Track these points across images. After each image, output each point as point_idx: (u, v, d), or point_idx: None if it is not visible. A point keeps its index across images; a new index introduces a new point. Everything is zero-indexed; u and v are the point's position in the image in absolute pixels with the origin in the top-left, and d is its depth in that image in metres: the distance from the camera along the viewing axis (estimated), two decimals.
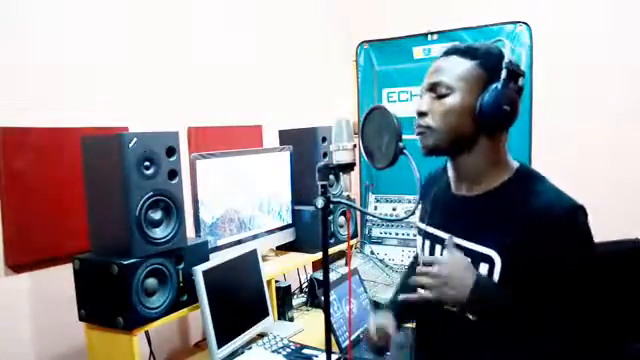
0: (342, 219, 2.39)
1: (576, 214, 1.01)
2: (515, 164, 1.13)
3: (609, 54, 2.81)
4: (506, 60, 1.05)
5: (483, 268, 1.05)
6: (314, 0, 3.26)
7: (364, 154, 1.20)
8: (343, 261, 2.50)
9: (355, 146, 1.18)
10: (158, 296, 1.54)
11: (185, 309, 1.63)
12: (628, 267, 1.98)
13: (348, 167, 1.17)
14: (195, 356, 1.90)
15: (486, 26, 3.04)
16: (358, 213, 2.95)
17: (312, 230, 2.28)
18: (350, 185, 1.21)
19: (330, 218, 2.30)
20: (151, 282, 1.51)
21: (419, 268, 1.08)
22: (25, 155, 1.68)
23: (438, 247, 1.18)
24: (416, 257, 1.36)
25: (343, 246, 2.37)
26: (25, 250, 1.68)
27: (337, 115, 1.19)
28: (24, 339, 1.71)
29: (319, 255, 2.23)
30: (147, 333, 1.70)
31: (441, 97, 1.08)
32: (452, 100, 1.07)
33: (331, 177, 1.17)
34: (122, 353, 1.48)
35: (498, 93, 1.03)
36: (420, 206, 1.29)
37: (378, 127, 1.15)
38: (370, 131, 1.18)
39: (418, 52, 3.25)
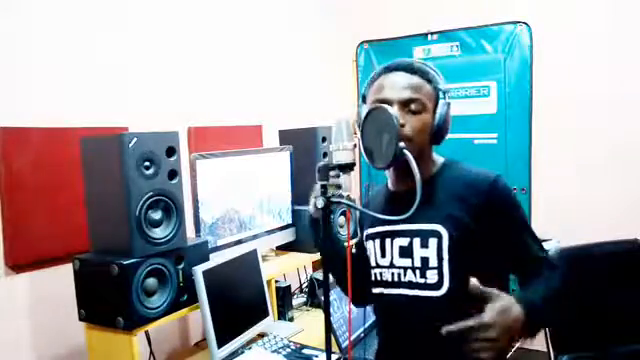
0: (342, 219, 2.39)
1: (497, 180, 1.18)
2: (441, 158, 1.28)
3: (609, 54, 2.81)
4: (442, 83, 1.21)
5: (432, 242, 1.17)
6: (314, 0, 3.26)
7: (364, 154, 1.20)
8: None
9: (355, 146, 1.18)
10: (158, 296, 1.53)
11: (185, 309, 1.63)
12: (628, 267, 1.99)
13: (348, 167, 1.17)
14: (195, 356, 1.89)
15: (486, 26, 3.04)
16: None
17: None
18: (350, 185, 1.20)
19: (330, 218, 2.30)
20: (151, 282, 1.51)
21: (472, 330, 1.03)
22: (25, 155, 1.68)
23: (387, 240, 1.25)
24: (360, 256, 1.37)
25: None
26: (25, 250, 1.68)
27: (337, 115, 1.19)
28: (24, 339, 1.71)
29: (319, 255, 2.23)
30: (147, 333, 1.69)
31: (416, 113, 1.19)
32: (425, 117, 1.19)
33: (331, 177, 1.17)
34: (122, 353, 1.48)
35: (448, 111, 1.20)
36: (359, 216, 1.44)
37: (378, 127, 1.15)
38: (370, 131, 1.18)
39: (418, 52, 3.26)
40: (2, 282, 1.65)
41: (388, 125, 1.12)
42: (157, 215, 1.53)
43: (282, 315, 2.15)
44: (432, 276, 1.17)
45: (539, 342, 2.13)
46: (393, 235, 1.24)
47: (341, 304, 1.89)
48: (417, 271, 1.19)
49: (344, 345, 1.76)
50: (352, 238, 1.32)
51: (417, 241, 1.19)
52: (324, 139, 2.31)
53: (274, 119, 2.70)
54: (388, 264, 1.25)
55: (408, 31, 3.25)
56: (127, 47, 2.05)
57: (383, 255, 1.26)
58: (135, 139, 1.44)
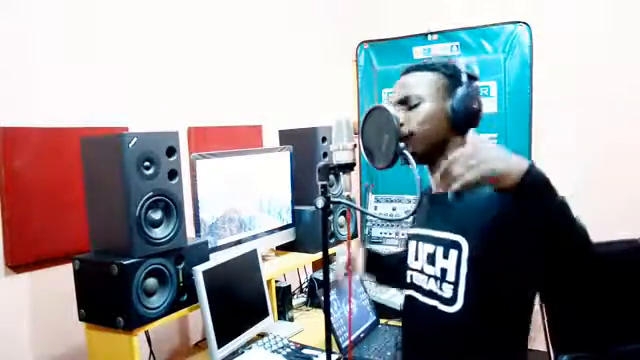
0: (342, 219, 2.39)
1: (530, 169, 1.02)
2: None
3: (609, 54, 2.81)
4: (463, 68, 1.18)
5: (453, 254, 1.12)
6: (314, 0, 3.26)
7: (364, 154, 1.20)
8: None
9: (355, 146, 1.18)
10: (158, 296, 1.53)
11: (185, 309, 1.63)
12: (627, 268, 1.98)
13: (348, 167, 1.17)
14: (195, 356, 1.90)
15: (486, 26, 3.04)
16: (358, 213, 2.95)
17: (312, 230, 2.28)
18: (350, 185, 1.20)
19: (330, 218, 2.30)
20: (151, 282, 1.51)
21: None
22: (25, 155, 1.68)
23: (420, 244, 1.23)
24: (402, 260, 1.38)
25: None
26: (25, 250, 1.68)
27: (337, 115, 1.19)
28: (24, 339, 1.70)
29: (319, 255, 2.23)
30: (147, 333, 1.70)
31: (413, 107, 1.17)
32: (424, 107, 1.17)
33: (331, 177, 1.18)
34: (122, 353, 1.48)
35: (465, 94, 1.15)
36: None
37: (378, 127, 1.15)
38: (370, 131, 1.18)
39: (418, 52, 3.26)
40: (2, 282, 1.65)
41: (388, 125, 1.12)
42: (157, 215, 1.53)
43: (282, 315, 2.15)
44: (447, 290, 1.12)
45: (539, 342, 2.13)
46: (423, 240, 1.22)
47: (341, 304, 1.89)
48: (438, 281, 1.15)
49: (344, 345, 1.76)
50: (352, 238, 1.32)
51: (440, 250, 1.15)
52: (324, 139, 2.31)
53: (274, 119, 2.70)
54: (419, 269, 1.22)
55: (408, 31, 3.25)
56: (127, 47, 2.04)
57: (416, 258, 1.24)
58: (135, 139, 1.44)
